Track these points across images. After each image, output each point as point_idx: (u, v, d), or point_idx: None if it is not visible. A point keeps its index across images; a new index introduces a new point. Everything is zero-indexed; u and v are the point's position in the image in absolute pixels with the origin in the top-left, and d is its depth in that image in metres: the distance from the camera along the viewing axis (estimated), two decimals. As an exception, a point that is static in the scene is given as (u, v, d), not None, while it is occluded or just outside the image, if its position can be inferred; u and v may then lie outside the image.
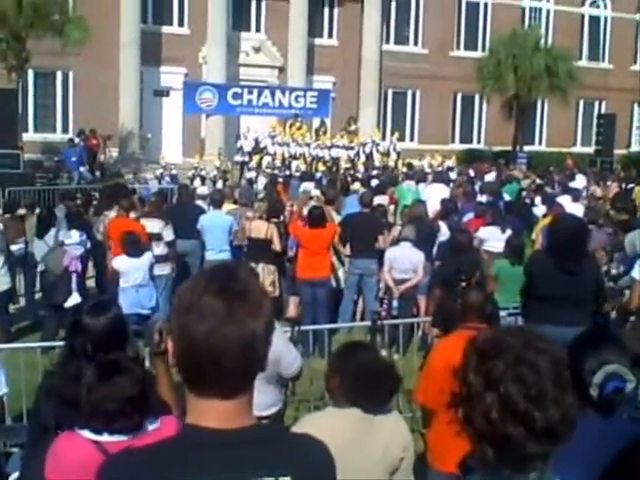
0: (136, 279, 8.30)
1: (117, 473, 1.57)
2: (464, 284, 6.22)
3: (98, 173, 22.52)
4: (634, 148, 33.73)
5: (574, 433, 1.60)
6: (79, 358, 3.24)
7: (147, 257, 8.47)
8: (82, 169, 21.24)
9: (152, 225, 9.57)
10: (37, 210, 11.23)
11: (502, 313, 6.46)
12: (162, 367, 3.07)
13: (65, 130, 26.70)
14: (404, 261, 9.08)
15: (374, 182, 16.54)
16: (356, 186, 15.18)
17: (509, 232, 9.51)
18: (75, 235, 9.35)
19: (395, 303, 9.23)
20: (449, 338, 4.55)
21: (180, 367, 1.58)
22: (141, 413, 2.81)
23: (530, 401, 1.55)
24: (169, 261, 9.65)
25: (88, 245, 9.59)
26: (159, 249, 9.44)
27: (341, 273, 10.19)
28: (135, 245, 8.40)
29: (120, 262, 8.39)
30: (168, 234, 9.69)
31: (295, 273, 9.51)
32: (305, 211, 10.66)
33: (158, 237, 9.52)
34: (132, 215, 10.47)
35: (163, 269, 9.38)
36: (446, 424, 3.98)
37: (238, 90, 26.77)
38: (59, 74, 26.94)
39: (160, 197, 11.47)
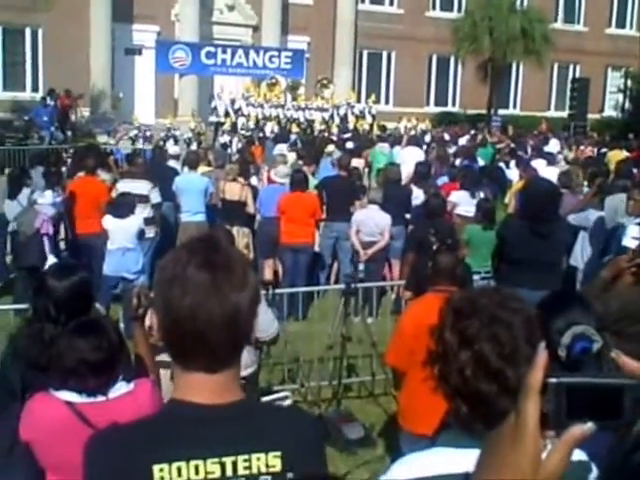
0: (121, 241, 8.19)
1: (104, 450, 1.55)
2: (436, 247, 6.25)
3: (70, 133, 22.17)
4: (607, 113, 33.90)
5: None
6: (42, 320, 3.24)
7: (134, 220, 8.29)
8: (53, 129, 20.90)
9: (139, 186, 9.37)
10: (7, 170, 11.04)
11: (475, 277, 6.55)
12: (140, 332, 3.07)
13: (35, 89, 26.20)
14: (371, 224, 9.12)
15: (348, 145, 16.49)
16: (330, 148, 15.13)
17: (480, 196, 9.53)
18: (49, 195, 9.22)
19: (361, 266, 9.30)
20: (419, 300, 4.61)
21: (165, 341, 1.56)
22: (100, 378, 2.82)
23: (503, 359, 1.59)
24: (154, 224, 9.52)
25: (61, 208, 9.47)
26: (146, 211, 9.27)
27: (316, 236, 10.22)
28: (122, 206, 8.26)
29: (106, 221, 8.28)
30: (155, 196, 9.53)
31: (278, 238, 9.50)
32: (273, 173, 10.62)
33: (145, 199, 9.33)
34: (104, 176, 10.36)
35: (149, 232, 9.26)
36: (417, 384, 4.12)
37: (212, 49, 26.42)
38: (28, 31, 26.32)
39: (143, 158, 11.33)
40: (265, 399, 4.54)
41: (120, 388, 2.85)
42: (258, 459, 1.55)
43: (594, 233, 7.77)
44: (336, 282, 9.67)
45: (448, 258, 4.68)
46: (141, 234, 8.43)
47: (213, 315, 1.50)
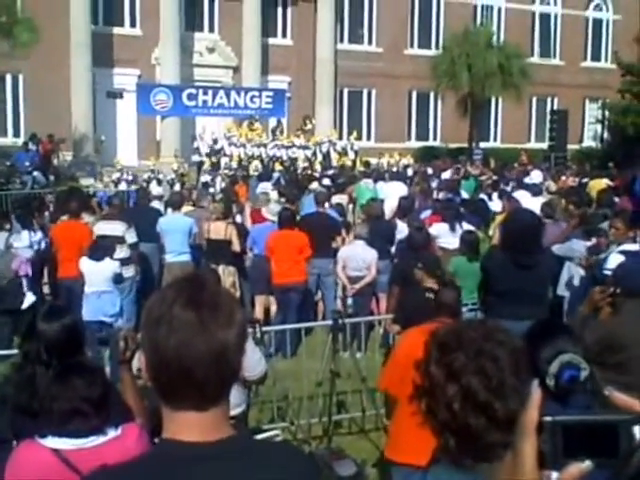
0: (98, 285, 8.13)
1: None
2: (436, 281, 6.24)
3: (52, 177, 22.13)
4: (586, 143, 34.32)
5: None
6: (33, 364, 3.20)
7: (109, 264, 8.26)
8: (35, 173, 20.87)
9: (115, 228, 9.42)
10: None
11: (462, 309, 6.54)
12: (127, 375, 3.04)
13: (16, 134, 26.22)
14: (357, 259, 9.14)
15: (326, 181, 16.60)
16: (314, 185, 15.19)
17: (460, 230, 9.53)
18: (25, 238, 9.16)
19: (350, 301, 9.28)
20: (417, 329, 4.60)
21: (153, 380, 1.56)
22: (100, 416, 2.78)
23: (491, 392, 1.58)
24: (132, 264, 9.52)
25: (42, 246, 9.41)
26: (122, 252, 9.29)
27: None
28: (98, 249, 8.23)
29: (82, 264, 8.24)
30: (131, 236, 9.57)
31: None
32: (264, 210, 10.66)
33: (121, 240, 9.37)
34: (88, 219, 10.34)
35: (127, 272, 9.24)
36: (407, 416, 4.13)
37: (193, 91, 26.61)
38: (8, 77, 26.44)
39: (120, 200, 11.35)
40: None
41: (108, 433, 2.81)
42: None
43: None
44: (322, 318, 9.64)
45: (451, 293, 4.72)
46: (118, 278, 8.36)
47: (200, 353, 1.49)
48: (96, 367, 2.92)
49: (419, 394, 1.70)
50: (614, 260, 6.05)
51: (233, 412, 4.57)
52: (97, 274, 8.12)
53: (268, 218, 10.25)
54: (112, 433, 2.81)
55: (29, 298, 8.41)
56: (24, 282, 8.59)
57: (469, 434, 1.58)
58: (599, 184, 15.02)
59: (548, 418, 0.98)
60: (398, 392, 4.17)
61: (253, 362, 4.53)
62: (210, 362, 1.50)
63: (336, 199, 13.04)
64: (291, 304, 9.33)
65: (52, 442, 2.73)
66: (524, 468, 0.97)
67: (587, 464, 0.95)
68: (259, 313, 9.48)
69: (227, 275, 9.35)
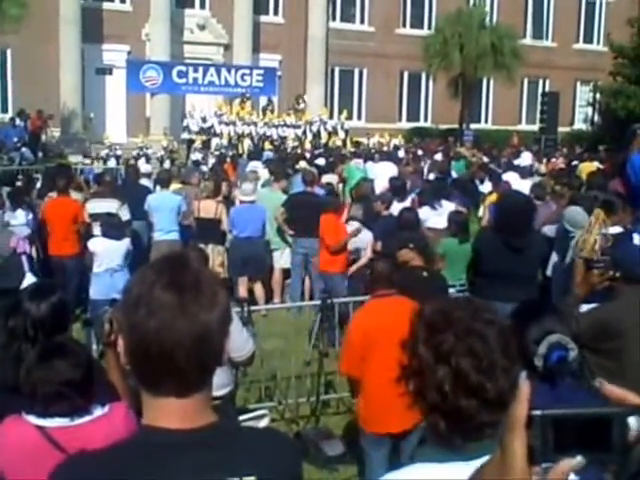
0: (110, 263, 8.00)
1: (71, 478, 1.49)
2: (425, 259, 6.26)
3: (40, 154, 21.96)
4: (577, 126, 34.31)
5: None
6: (19, 341, 3.17)
7: (125, 242, 8.15)
8: (23, 149, 20.70)
9: (108, 205, 9.33)
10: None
11: (450, 290, 6.54)
12: (112, 357, 3.01)
13: (4, 109, 25.97)
14: (352, 240, 9.08)
15: (319, 161, 16.51)
16: (302, 165, 15.12)
17: (440, 207, 9.48)
18: (21, 216, 9.09)
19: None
20: (362, 308, 4.91)
21: (132, 365, 1.50)
22: (84, 397, 2.75)
23: (481, 373, 1.56)
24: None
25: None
26: None
27: (287, 253, 10.18)
28: (115, 227, 8.14)
29: (97, 243, 8.11)
30: (124, 214, 9.46)
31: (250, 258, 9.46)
32: (238, 192, 10.57)
33: (115, 218, 9.30)
34: (75, 196, 10.26)
35: None
36: (373, 388, 4.31)
37: (183, 68, 26.42)
38: (-4, 52, 26.20)
39: (111, 177, 11.29)
40: (242, 417, 4.47)
41: (93, 412, 2.79)
42: None
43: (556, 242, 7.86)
44: (310, 298, 9.61)
45: (384, 264, 4.87)
46: (128, 254, 8.31)
47: (181, 337, 1.43)
48: (79, 347, 2.89)
49: (406, 375, 1.67)
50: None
51: (220, 392, 4.55)
52: (112, 253, 7.99)
53: (241, 199, 10.13)
54: (98, 412, 2.79)
55: (29, 278, 8.30)
56: (24, 261, 8.49)
57: (460, 415, 1.57)
58: (589, 167, 15.00)
59: (538, 412, 0.93)
60: (359, 372, 4.49)
61: (240, 342, 4.49)
62: (192, 346, 1.44)
63: (326, 178, 12.98)
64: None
65: (36, 418, 2.71)
66: (514, 465, 0.93)
67: (578, 460, 0.91)
68: (242, 293, 9.42)
69: (216, 254, 9.30)
